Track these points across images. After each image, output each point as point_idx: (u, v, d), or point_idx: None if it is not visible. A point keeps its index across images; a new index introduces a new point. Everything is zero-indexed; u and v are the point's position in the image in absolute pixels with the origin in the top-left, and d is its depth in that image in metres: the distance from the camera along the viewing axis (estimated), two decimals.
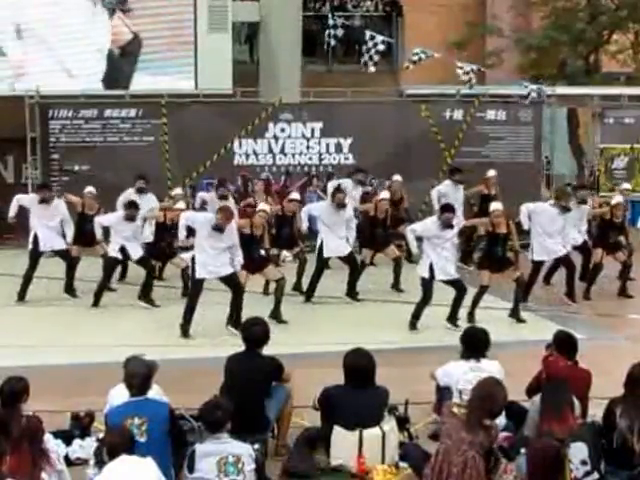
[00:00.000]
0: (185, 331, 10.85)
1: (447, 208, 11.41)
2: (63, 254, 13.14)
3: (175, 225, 12.34)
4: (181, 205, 13.24)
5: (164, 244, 13.09)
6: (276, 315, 11.22)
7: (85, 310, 12.31)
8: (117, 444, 5.56)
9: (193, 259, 11.13)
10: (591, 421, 6.60)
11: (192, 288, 11.21)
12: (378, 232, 13.40)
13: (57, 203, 13.25)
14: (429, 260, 11.00)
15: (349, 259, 12.78)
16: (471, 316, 11.35)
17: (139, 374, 6.30)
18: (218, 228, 10.62)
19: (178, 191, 14.31)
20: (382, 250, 13.52)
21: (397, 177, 15.36)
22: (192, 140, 16.81)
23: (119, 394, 6.49)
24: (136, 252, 12.54)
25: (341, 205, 12.69)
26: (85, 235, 13.32)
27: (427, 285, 11.07)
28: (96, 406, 7.21)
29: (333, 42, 17.87)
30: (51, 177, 16.85)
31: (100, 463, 5.83)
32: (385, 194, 13.99)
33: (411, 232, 11.41)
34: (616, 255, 13.14)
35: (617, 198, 13.63)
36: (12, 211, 13.41)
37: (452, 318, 11.18)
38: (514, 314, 11.59)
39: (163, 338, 10.64)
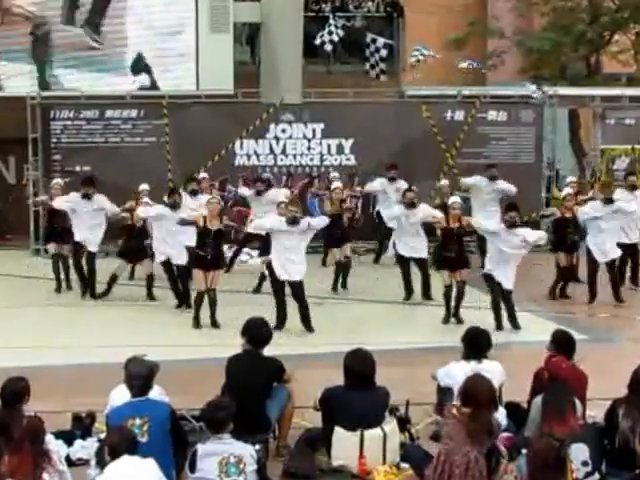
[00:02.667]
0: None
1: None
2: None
3: (144, 227, 12.51)
4: (147, 200, 13.00)
5: (133, 244, 12.94)
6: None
7: (86, 310, 12.32)
8: (119, 444, 5.57)
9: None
10: (592, 422, 6.61)
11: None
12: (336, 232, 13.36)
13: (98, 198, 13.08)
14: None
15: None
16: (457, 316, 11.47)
17: (140, 375, 6.31)
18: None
19: (144, 186, 13.73)
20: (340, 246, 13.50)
21: (444, 181, 15.55)
22: (193, 141, 16.82)
23: (120, 395, 6.50)
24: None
25: (411, 205, 12.56)
26: (57, 231, 13.36)
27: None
28: (97, 407, 7.21)
29: (330, 47, 17.96)
30: (52, 178, 16.86)
31: (101, 463, 5.84)
32: (337, 183, 14.10)
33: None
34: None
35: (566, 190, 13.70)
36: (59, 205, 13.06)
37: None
38: (451, 317, 11.54)
39: (164, 339, 10.63)
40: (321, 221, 11.71)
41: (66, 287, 13.42)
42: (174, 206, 12.13)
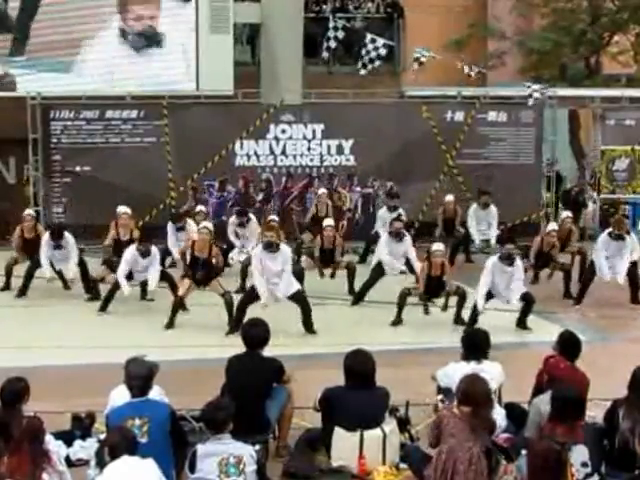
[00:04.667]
0: None
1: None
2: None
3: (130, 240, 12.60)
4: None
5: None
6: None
7: (86, 311, 12.31)
8: (118, 445, 5.57)
9: None
10: (592, 423, 6.60)
11: None
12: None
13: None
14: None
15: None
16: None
17: (140, 375, 6.31)
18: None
19: (123, 209, 13.60)
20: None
21: (449, 197, 15.80)
22: (193, 141, 16.83)
23: (120, 395, 6.50)
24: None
25: (397, 235, 12.73)
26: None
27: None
28: (97, 407, 7.21)
29: (334, 44, 17.96)
30: (52, 178, 16.88)
31: (101, 464, 5.84)
32: (329, 221, 13.78)
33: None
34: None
35: (551, 225, 13.81)
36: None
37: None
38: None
39: (164, 339, 10.65)
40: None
41: (64, 287, 13.45)
42: (144, 254, 12.07)
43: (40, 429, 5.91)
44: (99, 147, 17.14)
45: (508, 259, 11.16)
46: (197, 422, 6.88)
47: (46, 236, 13.13)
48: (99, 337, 10.73)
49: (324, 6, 20.84)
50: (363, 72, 17.52)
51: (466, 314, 11.29)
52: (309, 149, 17.48)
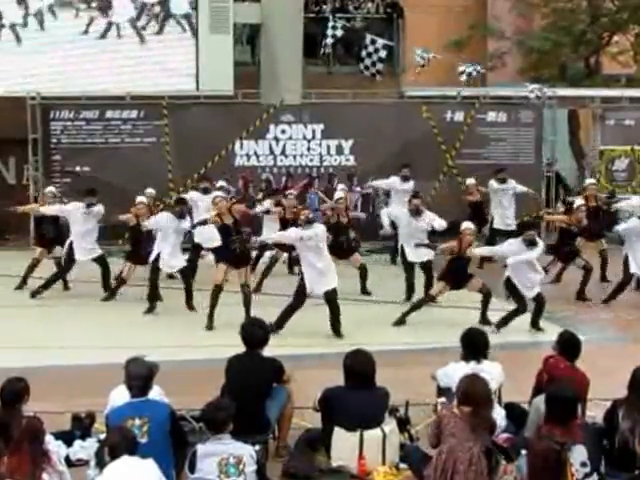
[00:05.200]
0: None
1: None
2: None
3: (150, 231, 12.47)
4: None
5: (139, 248, 12.86)
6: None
7: (86, 311, 12.32)
8: (118, 445, 5.57)
9: None
10: (591, 422, 6.60)
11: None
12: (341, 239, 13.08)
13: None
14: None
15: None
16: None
17: (140, 375, 6.31)
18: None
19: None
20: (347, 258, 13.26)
21: (471, 180, 15.88)
22: (193, 141, 16.84)
23: (120, 395, 6.50)
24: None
25: (417, 212, 12.62)
26: (44, 237, 13.61)
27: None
28: (97, 407, 7.21)
29: (331, 42, 17.96)
30: (52, 178, 16.88)
31: (101, 464, 5.84)
32: (340, 193, 13.93)
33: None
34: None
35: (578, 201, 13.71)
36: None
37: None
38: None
39: (164, 339, 10.64)
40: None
41: (63, 287, 13.46)
42: (181, 215, 12.20)
43: (40, 429, 5.91)
44: (99, 147, 17.16)
45: (531, 244, 11.10)
46: (197, 422, 6.88)
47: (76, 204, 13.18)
48: (99, 337, 10.71)
49: (324, 6, 20.83)
50: (367, 74, 17.58)
51: (466, 315, 11.30)
52: (309, 149, 17.50)
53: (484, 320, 11.25)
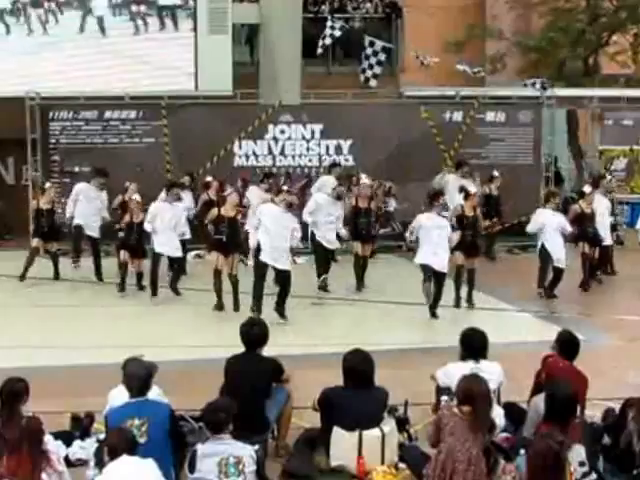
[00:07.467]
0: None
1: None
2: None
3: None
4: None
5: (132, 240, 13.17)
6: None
7: (86, 310, 12.33)
8: (118, 445, 5.58)
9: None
10: (590, 422, 6.61)
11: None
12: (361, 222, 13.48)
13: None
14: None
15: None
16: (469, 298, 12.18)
17: (138, 375, 6.31)
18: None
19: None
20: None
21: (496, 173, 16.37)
22: (192, 142, 16.82)
23: (119, 395, 6.50)
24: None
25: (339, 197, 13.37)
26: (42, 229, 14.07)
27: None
28: (96, 407, 7.21)
29: (329, 42, 17.98)
30: (51, 178, 16.87)
31: (100, 464, 5.85)
32: (365, 181, 13.99)
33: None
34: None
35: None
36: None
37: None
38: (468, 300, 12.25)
39: (163, 339, 10.63)
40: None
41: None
42: (178, 198, 13.04)
43: (39, 429, 5.92)
44: (98, 147, 17.13)
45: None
46: (197, 422, 6.89)
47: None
48: (99, 337, 10.72)
49: (322, 6, 20.83)
50: (362, 78, 17.64)
51: (466, 315, 11.32)
52: (308, 149, 17.49)
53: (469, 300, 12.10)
